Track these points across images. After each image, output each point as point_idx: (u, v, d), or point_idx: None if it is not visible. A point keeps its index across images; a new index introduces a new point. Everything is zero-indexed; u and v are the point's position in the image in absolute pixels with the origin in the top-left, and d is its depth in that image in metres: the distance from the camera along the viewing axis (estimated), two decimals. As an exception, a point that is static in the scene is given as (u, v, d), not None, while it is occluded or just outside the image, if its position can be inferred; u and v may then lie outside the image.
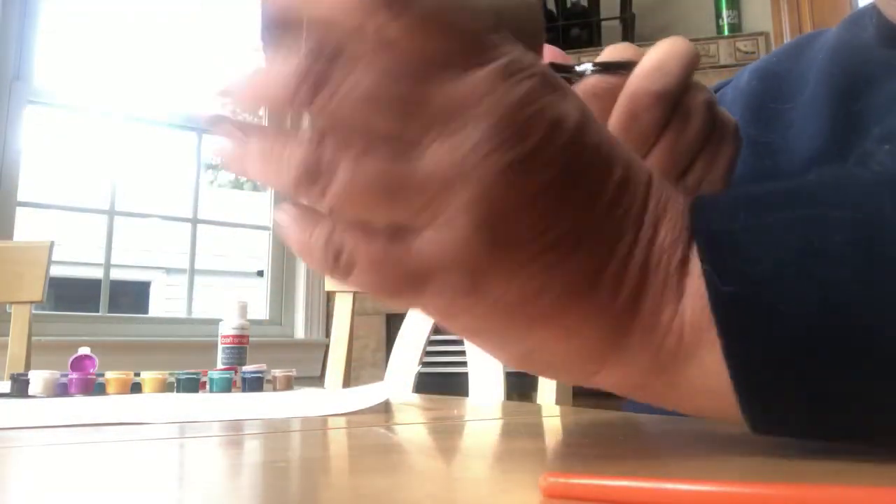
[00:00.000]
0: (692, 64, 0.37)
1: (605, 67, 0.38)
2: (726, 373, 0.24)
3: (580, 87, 0.38)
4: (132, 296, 5.91)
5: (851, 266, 0.23)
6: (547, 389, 0.90)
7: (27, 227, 1.99)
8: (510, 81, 0.23)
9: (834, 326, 0.23)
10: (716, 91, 0.59)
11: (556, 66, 0.39)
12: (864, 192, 0.25)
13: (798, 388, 0.24)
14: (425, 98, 0.23)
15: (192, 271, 2.26)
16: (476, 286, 0.24)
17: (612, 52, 0.39)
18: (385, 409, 0.54)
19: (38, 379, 0.69)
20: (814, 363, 0.23)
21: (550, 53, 0.40)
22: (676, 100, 0.37)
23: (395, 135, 0.23)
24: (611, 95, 0.38)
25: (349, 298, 1.17)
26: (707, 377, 0.25)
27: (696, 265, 0.25)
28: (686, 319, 0.25)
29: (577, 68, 0.39)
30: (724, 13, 2.35)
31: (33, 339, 1.27)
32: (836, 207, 0.24)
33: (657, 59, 0.36)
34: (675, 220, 0.26)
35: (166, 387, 0.77)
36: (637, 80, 0.37)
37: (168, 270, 6.31)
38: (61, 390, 0.71)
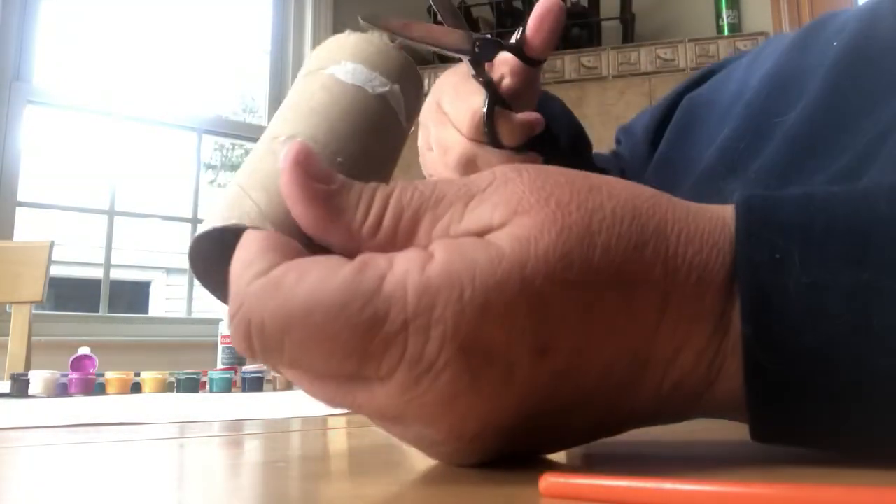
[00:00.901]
0: None
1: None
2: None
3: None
4: (132, 296, 5.91)
5: None
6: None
7: (27, 227, 1.99)
8: (418, 388, 0.21)
9: (871, 418, 0.22)
10: (712, 71, 0.56)
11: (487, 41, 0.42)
12: None
13: (821, 445, 0.24)
14: (349, 402, 0.22)
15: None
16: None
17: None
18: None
19: (38, 379, 0.70)
20: (840, 442, 0.23)
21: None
22: None
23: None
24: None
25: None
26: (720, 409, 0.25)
27: (735, 331, 0.23)
28: (716, 396, 0.24)
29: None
30: (724, 13, 2.35)
31: (33, 339, 1.27)
32: None
33: None
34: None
35: (166, 387, 0.77)
36: None
37: (168, 270, 6.31)
38: (61, 390, 0.71)
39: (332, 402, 0.23)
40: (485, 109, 0.41)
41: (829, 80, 0.42)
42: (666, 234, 0.23)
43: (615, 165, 0.61)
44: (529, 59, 0.43)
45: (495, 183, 0.23)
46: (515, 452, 0.25)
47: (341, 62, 0.28)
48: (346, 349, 0.20)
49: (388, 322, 0.20)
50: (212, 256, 0.27)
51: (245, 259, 0.22)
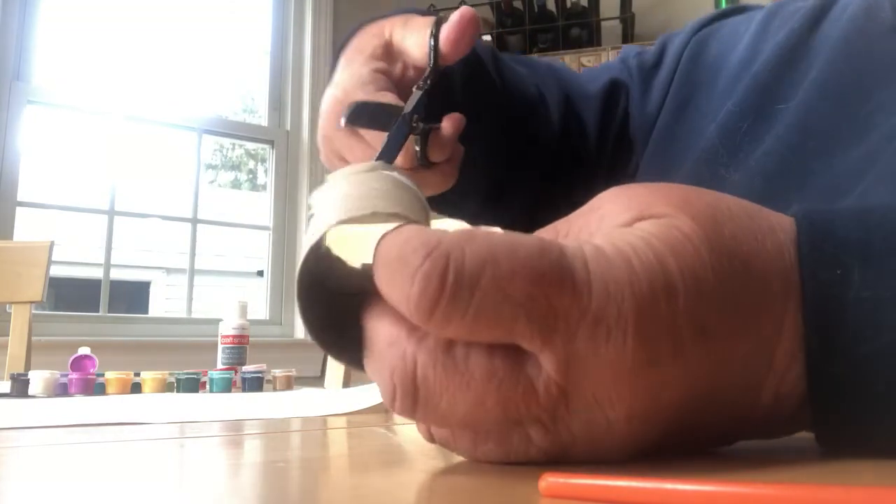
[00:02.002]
0: None
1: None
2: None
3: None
4: (132, 296, 5.91)
5: None
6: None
7: (27, 227, 1.99)
8: (597, 355, 0.21)
9: None
10: (711, 21, 0.54)
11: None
12: None
13: (887, 450, 0.24)
14: (517, 397, 0.22)
15: (192, 271, 2.26)
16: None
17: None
18: (385, 409, 0.54)
19: (38, 379, 0.69)
20: None
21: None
22: None
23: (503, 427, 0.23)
24: None
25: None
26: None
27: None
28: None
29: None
30: (724, 13, 2.35)
31: (33, 339, 1.27)
32: None
33: None
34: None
35: (166, 387, 0.77)
36: None
37: (168, 270, 6.31)
38: (61, 390, 0.71)
39: (500, 415, 0.22)
40: (418, 148, 0.42)
41: (829, 64, 0.42)
42: (776, 232, 0.24)
43: (608, 88, 0.55)
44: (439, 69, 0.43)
45: (607, 200, 0.25)
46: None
47: (395, 171, 0.31)
48: (542, 292, 0.21)
49: (577, 274, 0.21)
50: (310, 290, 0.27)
51: (415, 228, 0.22)
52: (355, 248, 0.27)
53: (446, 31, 0.43)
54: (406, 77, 0.46)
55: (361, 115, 0.38)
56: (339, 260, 0.27)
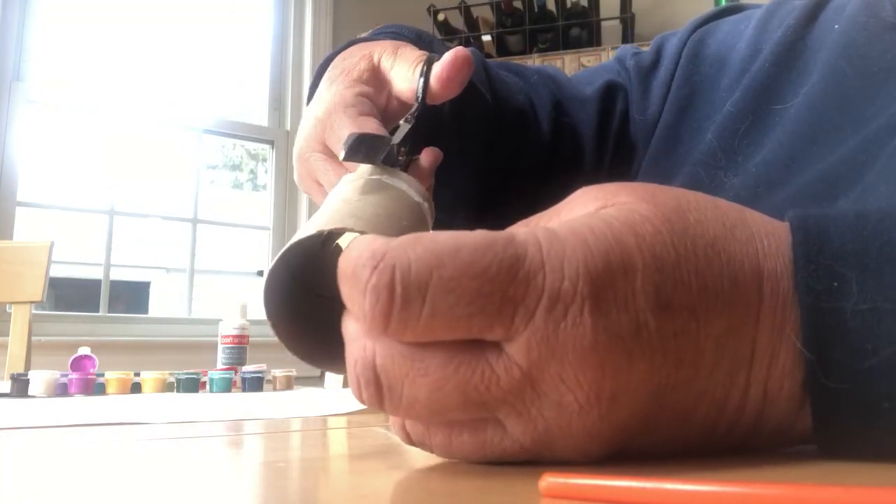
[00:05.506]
0: None
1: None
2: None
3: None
4: (132, 296, 5.91)
5: None
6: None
7: (27, 227, 1.99)
8: (557, 336, 0.21)
9: None
10: (708, 19, 0.54)
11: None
12: None
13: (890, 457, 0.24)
14: (482, 388, 0.22)
15: (192, 271, 2.26)
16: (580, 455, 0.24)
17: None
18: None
19: (38, 379, 0.69)
20: None
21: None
22: None
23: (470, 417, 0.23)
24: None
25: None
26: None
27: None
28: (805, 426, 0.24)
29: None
30: (724, 13, 2.35)
31: (33, 339, 1.27)
32: None
33: None
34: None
35: (166, 387, 0.77)
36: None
37: (168, 270, 6.32)
38: (61, 390, 0.71)
39: (461, 399, 0.22)
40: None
41: (829, 65, 0.42)
42: (748, 224, 0.25)
43: (603, 93, 0.55)
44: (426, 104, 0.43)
45: (578, 195, 0.26)
46: (630, 450, 0.24)
47: (400, 182, 0.36)
48: (492, 286, 0.21)
49: (528, 260, 0.21)
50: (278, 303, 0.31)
51: (367, 240, 0.23)
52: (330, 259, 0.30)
53: (439, 69, 0.42)
54: (389, 106, 0.45)
55: (359, 149, 0.36)
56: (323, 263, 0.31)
